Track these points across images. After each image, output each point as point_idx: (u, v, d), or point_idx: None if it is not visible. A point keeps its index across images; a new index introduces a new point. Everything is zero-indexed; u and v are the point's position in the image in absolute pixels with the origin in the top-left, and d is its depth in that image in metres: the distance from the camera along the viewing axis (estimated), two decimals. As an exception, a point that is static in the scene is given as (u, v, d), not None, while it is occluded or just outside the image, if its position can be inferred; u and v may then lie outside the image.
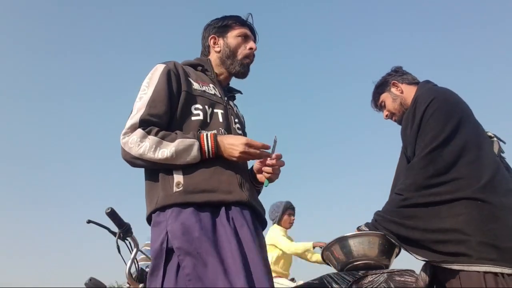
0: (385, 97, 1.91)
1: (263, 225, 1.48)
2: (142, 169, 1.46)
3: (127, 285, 1.66)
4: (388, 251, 1.50)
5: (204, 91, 1.55)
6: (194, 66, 1.65)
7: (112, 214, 1.61)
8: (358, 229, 1.58)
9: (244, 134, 1.66)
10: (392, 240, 1.46)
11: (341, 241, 1.52)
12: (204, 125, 1.48)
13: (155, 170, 1.38)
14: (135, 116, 1.38)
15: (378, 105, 1.96)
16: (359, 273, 1.43)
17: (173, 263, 1.22)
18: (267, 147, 1.41)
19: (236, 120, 1.60)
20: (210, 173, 1.37)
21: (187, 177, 1.35)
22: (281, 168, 1.48)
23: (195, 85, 1.54)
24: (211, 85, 1.60)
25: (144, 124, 1.38)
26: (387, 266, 1.50)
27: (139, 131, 1.35)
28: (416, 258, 1.36)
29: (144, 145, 1.35)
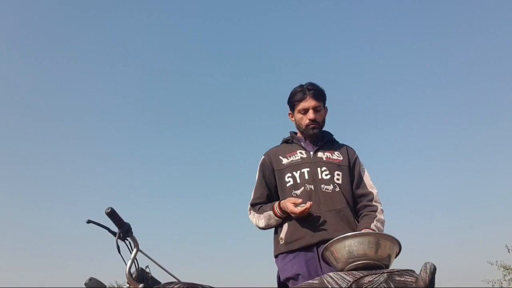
0: None
1: None
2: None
3: (127, 285, 1.66)
4: (388, 251, 1.49)
5: (291, 161, 2.19)
6: (287, 140, 2.32)
7: (112, 214, 1.61)
8: None
9: (339, 167, 2.17)
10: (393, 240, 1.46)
11: (341, 241, 1.51)
12: (294, 187, 2.12)
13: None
14: (250, 200, 2.26)
15: None
16: (359, 273, 1.42)
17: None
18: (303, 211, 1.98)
19: (324, 168, 2.13)
20: (298, 226, 2.03)
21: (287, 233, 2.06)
22: None
23: (284, 160, 2.21)
24: (298, 151, 2.22)
25: (253, 205, 2.24)
26: (387, 266, 1.48)
27: (250, 209, 2.24)
28: None
29: (254, 219, 2.19)
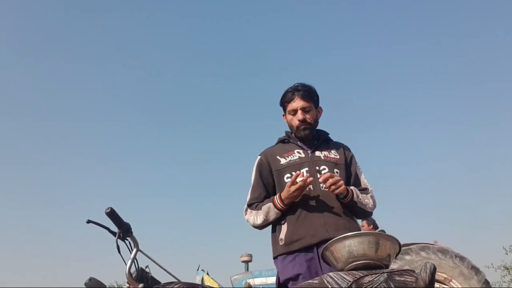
0: None
1: None
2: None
3: (127, 285, 1.66)
4: (388, 251, 1.49)
5: (289, 160, 2.17)
6: (283, 140, 2.29)
7: (112, 214, 1.61)
8: None
9: (337, 165, 2.16)
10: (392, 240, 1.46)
11: (341, 240, 1.51)
12: None
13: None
14: (247, 201, 2.22)
15: None
16: (359, 273, 1.42)
17: None
18: (302, 183, 1.96)
19: (323, 167, 2.12)
20: (297, 226, 2.01)
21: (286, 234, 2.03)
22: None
23: (282, 160, 2.18)
24: (295, 151, 2.20)
25: (250, 205, 2.20)
26: (387, 266, 1.49)
27: (246, 209, 2.21)
28: None
29: (251, 218, 2.15)
